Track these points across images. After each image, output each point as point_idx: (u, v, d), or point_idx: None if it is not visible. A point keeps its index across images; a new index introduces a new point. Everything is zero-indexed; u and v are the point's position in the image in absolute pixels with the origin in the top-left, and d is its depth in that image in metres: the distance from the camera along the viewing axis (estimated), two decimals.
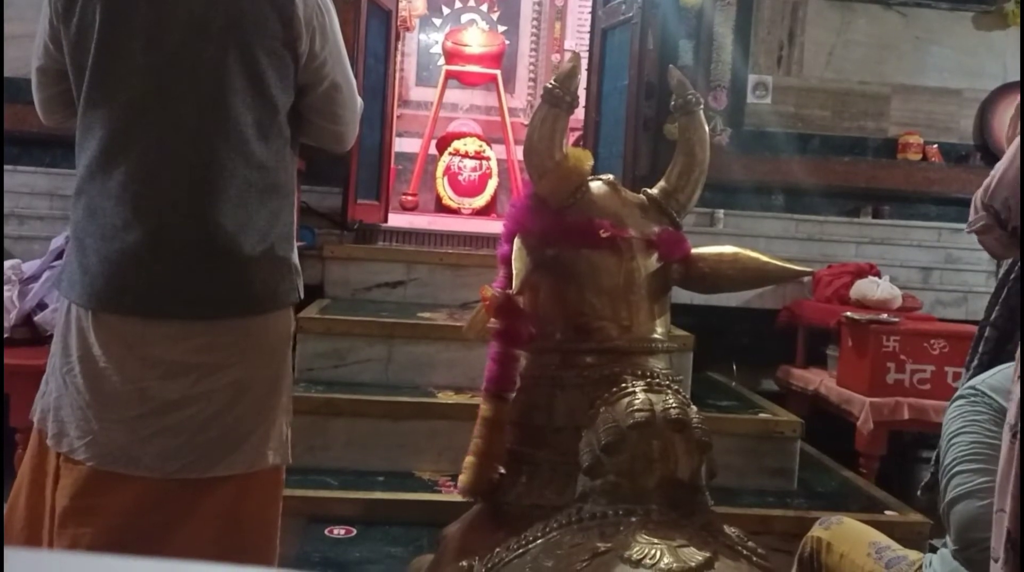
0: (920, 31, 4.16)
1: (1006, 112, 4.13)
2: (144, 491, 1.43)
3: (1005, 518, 1.11)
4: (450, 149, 6.10)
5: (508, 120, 6.06)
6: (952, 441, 1.41)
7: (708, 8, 4.03)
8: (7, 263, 2.87)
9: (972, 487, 1.37)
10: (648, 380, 1.38)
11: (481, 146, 6.13)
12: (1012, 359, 1.50)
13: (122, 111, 1.43)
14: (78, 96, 1.47)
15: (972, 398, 1.42)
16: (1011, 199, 1.43)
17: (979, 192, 1.52)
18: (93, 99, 1.45)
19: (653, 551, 1.14)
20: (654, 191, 1.62)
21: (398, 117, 5.71)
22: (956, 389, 1.54)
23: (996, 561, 1.12)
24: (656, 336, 1.50)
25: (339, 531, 2.47)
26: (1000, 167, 1.48)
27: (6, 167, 3.49)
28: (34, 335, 2.78)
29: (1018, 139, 1.43)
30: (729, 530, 1.30)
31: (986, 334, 1.56)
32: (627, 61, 4.05)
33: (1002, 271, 1.60)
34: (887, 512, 2.79)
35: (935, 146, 4.15)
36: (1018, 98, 1.64)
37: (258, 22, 1.45)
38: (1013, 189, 1.42)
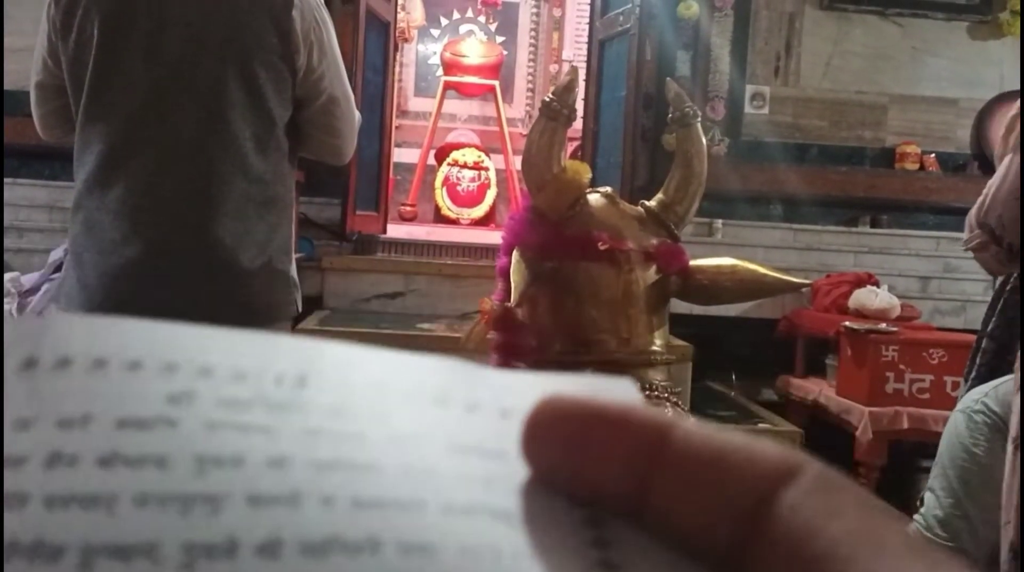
0: (917, 41, 4.17)
1: (1003, 122, 4.13)
2: None
3: (1011, 529, 1.11)
4: (448, 160, 6.11)
5: (506, 130, 6.06)
6: (950, 467, 1.40)
7: (705, 19, 4.04)
8: (6, 276, 2.87)
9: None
10: (647, 392, 1.38)
11: (480, 157, 6.13)
12: (1011, 370, 1.50)
13: (121, 125, 1.44)
14: (76, 111, 1.48)
15: (972, 414, 1.42)
16: (1005, 216, 1.43)
17: (973, 210, 1.53)
18: (92, 114, 1.45)
19: None
20: (652, 203, 1.62)
21: (396, 128, 5.71)
22: (955, 399, 1.54)
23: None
24: (655, 348, 1.50)
25: None
26: (992, 184, 1.49)
27: (6, 180, 3.49)
28: None
29: (1009, 156, 1.43)
30: None
31: (984, 346, 1.56)
32: (625, 72, 4.06)
33: (998, 282, 1.60)
34: None
35: (932, 155, 4.15)
36: (1007, 112, 1.64)
37: (256, 36, 1.45)
38: (1007, 206, 1.42)
